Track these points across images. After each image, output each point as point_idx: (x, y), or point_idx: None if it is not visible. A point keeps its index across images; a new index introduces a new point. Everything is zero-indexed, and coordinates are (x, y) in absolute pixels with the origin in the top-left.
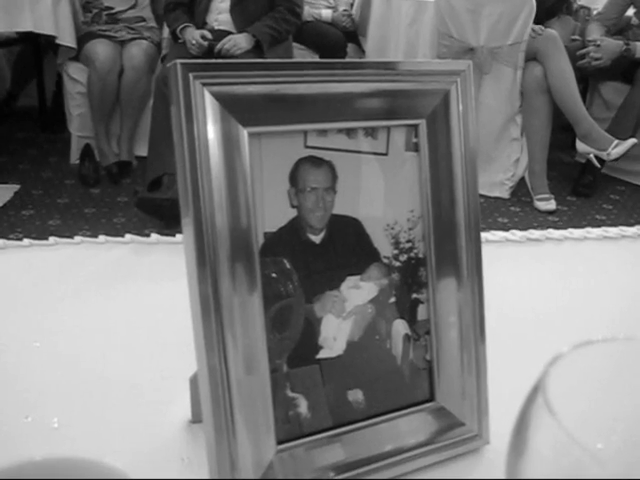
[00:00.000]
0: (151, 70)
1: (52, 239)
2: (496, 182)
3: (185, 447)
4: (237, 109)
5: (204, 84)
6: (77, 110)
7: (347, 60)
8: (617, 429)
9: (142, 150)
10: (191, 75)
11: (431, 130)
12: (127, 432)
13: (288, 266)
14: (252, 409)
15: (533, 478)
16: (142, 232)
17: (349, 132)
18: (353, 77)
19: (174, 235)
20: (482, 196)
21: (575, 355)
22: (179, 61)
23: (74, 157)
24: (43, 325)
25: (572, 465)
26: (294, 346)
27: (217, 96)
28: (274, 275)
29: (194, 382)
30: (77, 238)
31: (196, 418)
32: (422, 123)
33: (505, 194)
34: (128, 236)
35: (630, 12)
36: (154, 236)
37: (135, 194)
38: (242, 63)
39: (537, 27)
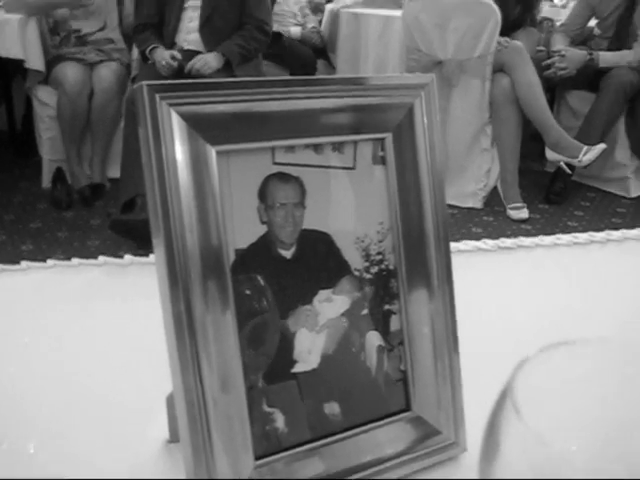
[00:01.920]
0: (121, 91)
1: (24, 263)
2: (469, 192)
3: (163, 466)
4: (204, 128)
5: (171, 104)
6: (47, 134)
7: (311, 77)
8: (586, 431)
9: (115, 172)
10: (157, 96)
11: (397, 143)
12: (104, 453)
13: (262, 282)
14: (229, 427)
15: None
16: (116, 254)
17: (316, 147)
18: (318, 93)
19: (148, 255)
20: (455, 207)
21: (542, 358)
22: (145, 83)
23: (46, 181)
24: (16, 350)
25: (543, 467)
26: (270, 362)
27: (184, 116)
28: (248, 292)
29: (170, 401)
30: (49, 262)
31: (174, 437)
32: (388, 137)
33: (478, 204)
34: (101, 258)
35: (592, 23)
36: (127, 257)
37: (108, 216)
38: (208, 83)
39: (503, 39)
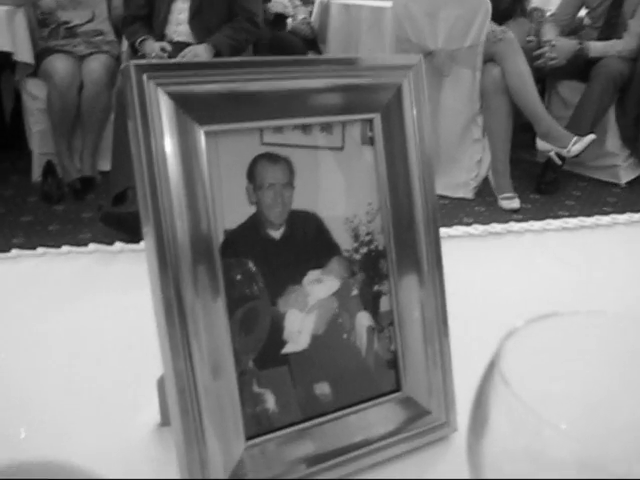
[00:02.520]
0: (111, 84)
1: (14, 251)
2: (460, 183)
3: (154, 450)
4: (193, 108)
5: (159, 84)
6: (37, 127)
7: (300, 57)
8: (574, 401)
9: (105, 165)
10: (145, 76)
11: (385, 123)
12: (96, 437)
13: (253, 267)
14: (220, 410)
15: (494, 455)
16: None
17: (305, 128)
18: (307, 74)
19: (138, 242)
20: (446, 197)
21: (530, 329)
22: (133, 62)
23: (36, 174)
24: (7, 337)
25: (532, 437)
26: (261, 346)
27: (172, 96)
28: (238, 277)
29: (161, 385)
30: (40, 249)
31: (165, 421)
32: (376, 117)
33: (469, 194)
34: (92, 245)
35: (582, 12)
36: (118, 244)
37: (100, 209)
38: (197, 63)
39: (499, 29)
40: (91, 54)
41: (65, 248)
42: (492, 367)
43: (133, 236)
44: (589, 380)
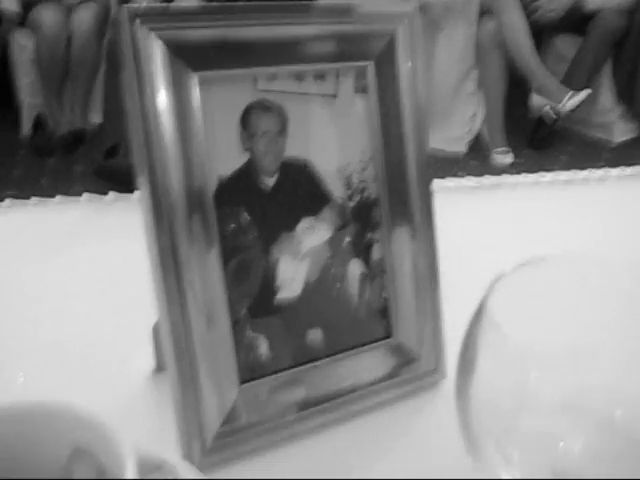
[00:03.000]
0: (102, 34)
1: (7, 201)
2: (455, 137)
3: (150, 395)
4: (186, 54)
5: (152, 29)
6: (27, 78)
7: (294, 3)
8: (559, 344)
9: (97, 117)
10: (138, 20)
11: (379, 72)
12: (92, 382)
13: (246, 217)
14: (214, 356)
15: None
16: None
17: (298, 75)
18: (301, 20)
19: (132, 192)
20: (442, 151)
21: (518, 273)
22: (126, 7)
23: (26, 128)
24: (2, 285)
25: (517, 378)
26: (254, 294)
27: (165, 41)
28: (232, 227)
29: (156, 331)
30: (34, 199)
31: (160, 367)
32: (370, 65)
33: (463, 148)
34: (85, 195)
35: None
36: (111, 195)
37: (92, 162)
38: (190, 8)
39: None
40: (80, 3)
41: (59, 198)
42: (480, 309)
43: (126, 190)
44: (576, 323)
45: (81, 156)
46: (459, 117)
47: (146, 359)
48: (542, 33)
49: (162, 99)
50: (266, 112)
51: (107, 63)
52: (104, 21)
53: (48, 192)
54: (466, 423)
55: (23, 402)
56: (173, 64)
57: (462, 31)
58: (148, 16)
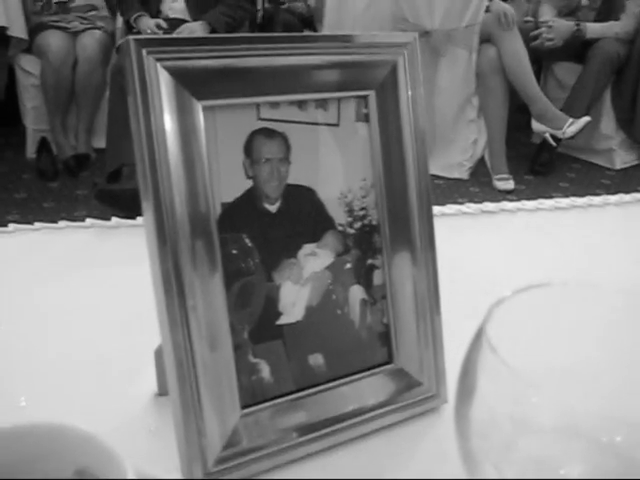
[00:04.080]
0: (106, 60)
1: (11, 226)
2: (455, 163)
3: (152, 418)
4: (191, 83)
5: (158, 59)
6: (31, 103)
7: (296, 34)
8: (558, 370)
9: (100, 142)
10: (144, 51)
11: (380, 101)
12: (94, 405)
13: (249, 243)
14: (216, 380)
15: (480, 421)
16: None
17: (301, 104)
18: (303, 50)
19: (135, 218)
20: (441, 177)
21: (518, 299)
22: (132, 37)
23: (30, 151)
24: (7, 309)
25: (517, 404)
26: (256, 319)
27: (171, 71)
28: (235, 252)
29: (159, 354)
30: (37, 224)
31: (162, 390)
32: (371, 94)
33: (464, 175)
34: (89, 220)
35: None
36: (115, 220)
37: (94, 186)
38: (195, 38)
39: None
40: (85, 30)
41: (62, 223)
42: (480, 334)
43: (127, 214)
44: (574, 350)
45: (84, 180)
46: (460, 144)
47: (148, 382)
48: (542, 60)
49: (167, 126)
50: (269, 140)
51: (111, 88)
52: (108, 47)
53: (51, 215)
54: (466, 447)
55: (26, 422)
56: (178, 93)
57: (463, 58)
58: (153, 46)
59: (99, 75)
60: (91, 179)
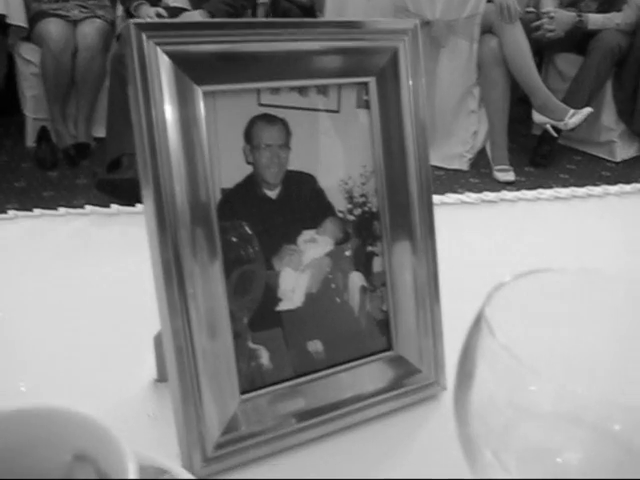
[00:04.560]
0: (106, 49)
1: (11, 212)
2: (455, 154)
3: (151, 404)
4: (191, 68)
5: (158, 43)
6: (31, 92)
7: (298, 20)
8: (557, 355)
9: (100, 131)
10: (145, 35)
11: (381, 87)
12: (94, 392)
13: (249, 230)
14: (216, 367)
15: (479, 406)
16: None
17: (301, 90)
18: (304, 36)
19: (134, 206)
20: (441, 168)
21: (517, 283)
22: (132, 21)
23: (30, 140)
24: (5, 295)
25: (516, 388)
26: (256, 307)
27: (171, 55)
28: (234, 240)
29: (158, 341)
30: (37, 211)
31: (161, 377)
32: (372, 81)
33: (464, 166)
34: (88, 207)
35: None
36: (114, 207)
37: (94, 176)
38: (196, 23)
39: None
40: (85, 19)
41: (62, 210)
42: (479, 319)
43: (127, 203)
44: (574, 335)
45: (84, 169)
46: (460, 135)
47: (148, 369)
48: (543, 51)
49: (167, 112)
50: (269, 125)
51: (111, 77)
52: (108, 36)
53: (50, 205)
54: (465, 433)
55: (25, 406)
56: (178, 78)
57: (464, 48)
58: (154, 31)
59: (99, 64)
60: (91, 168)
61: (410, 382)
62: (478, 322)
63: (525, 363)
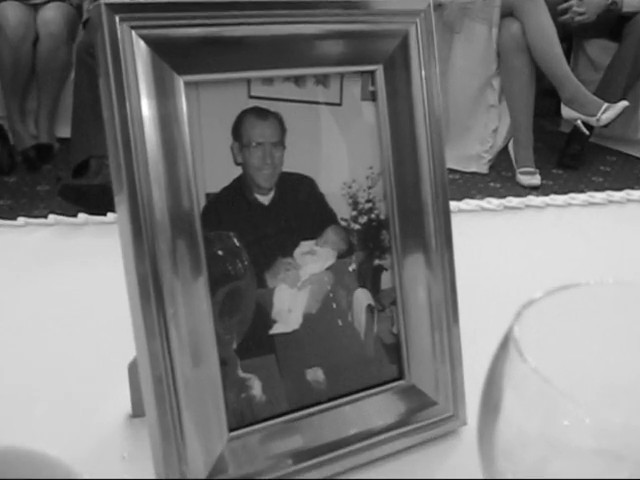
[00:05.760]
0: (71, 37)
1: None
2: (473, 155)
3: (126, 443)
4: (171, 55)
5: (133, 27)
6: None
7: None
8: (595, 380)
9: (64, 131)
10: (117, 17)
11: (389, 77)
12: (58, 430)
13: (236, 242)
14: (200, 399)
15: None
16: None
17: (298, 80)
18: (301, 18)
19: (105, 214)
20: (457, 172)
21: (548, 301)
22: (103, 1)
23: None
24: None
25: (549, 419)
26: (245, 329)
27: (148, 40)
28: (221, 252)
29: (133, 370)
30: None
31: (137, 411)
32: (379, 69)
33: (483, 169)
34: (52, 217)
35: None
36: (82, 216)
37: (58, 181)
38: (177, 3)
39: None
40: (48, 2)
41: (21, 219)
42: (506, 341)
43: (95, 212)
44: (612, 357)
45: (46, 174)
46: (478, 132)
47: (121, 402)
48: (572, 37)
49: (144, 107)
50: (261, 120)
51: (77, 69)
52: (74, 21)
53: (8, 215)
54: (490, 471)
55: None
56: (157, 67)
57: (482, 34)
58: (128, 12)
59: (64, 53)
60: (54, 173)
61: (425, 416)
62: (505, 344)
63: (560, 390)
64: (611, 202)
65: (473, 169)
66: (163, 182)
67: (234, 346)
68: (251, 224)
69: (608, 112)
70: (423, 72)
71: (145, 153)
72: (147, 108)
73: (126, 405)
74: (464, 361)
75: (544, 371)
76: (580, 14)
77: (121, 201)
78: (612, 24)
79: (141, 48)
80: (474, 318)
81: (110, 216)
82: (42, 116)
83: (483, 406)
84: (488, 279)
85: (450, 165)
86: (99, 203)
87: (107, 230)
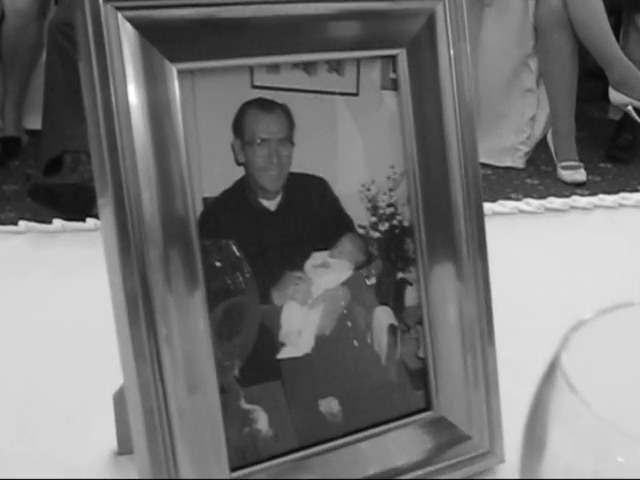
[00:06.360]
0: (42, 14)
1: None
2: (507, 147)
3: None
4: (162, 40)
5: (118, 8)
6: None
7: None
8: None
9: (34, 122)
10: None
11: (413, 62)
12: (34, 469)
13: (237, 252)
14: (197, 434)
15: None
16: None
17: (307, 67)
18: None
19: (84, 220)
20: (490, 166)
21: (600, 322)
22: None
23: None
24: None
25: (604, 457)
26: (248, 353)
27: (136, 23)
28: (219, 264)
29: (120, 400)
30: None
31: (124, 448)
32: (401, 53)
33: (519, 163)
34: (22, 223)
35: None
36: (57, 222)
37: (27, 180)
38: None
39: None
40: None
41: None
42: (552, 368)
43: (71, 216)
44: None
45: (13, 172)
46: (513, 121)
47: (105, 438)
48: (621, 10)
49: (132, 97)
50: (266, 114)
51: (49, 51)
52: None
53: None
54: None
55: None
56: (146, 53)
57: (516, 8)
58: None
59: (33, 33)
60: (22, 170)
61: (456, 452)
62: (551, 372)
63: (613, 424)
64: None
65: (508, 163)
66: (154, 183)
67: (235, 372)
68: (255, 233)
69: None
70: (452, 56)
71: (133, 150)
72: (135, 99)
73: (111, 441)
74: (501, 388)
75: (596, 403)
76: None
77: (105, 204)
78: None
79: (128, 32)
80: (512, 338)
81: (90, 222)
82: (8, 105)
83: (526, 442)
84: (528, 293)
85: (481, 159)
86: (74, 205)
87: (88, 238)
